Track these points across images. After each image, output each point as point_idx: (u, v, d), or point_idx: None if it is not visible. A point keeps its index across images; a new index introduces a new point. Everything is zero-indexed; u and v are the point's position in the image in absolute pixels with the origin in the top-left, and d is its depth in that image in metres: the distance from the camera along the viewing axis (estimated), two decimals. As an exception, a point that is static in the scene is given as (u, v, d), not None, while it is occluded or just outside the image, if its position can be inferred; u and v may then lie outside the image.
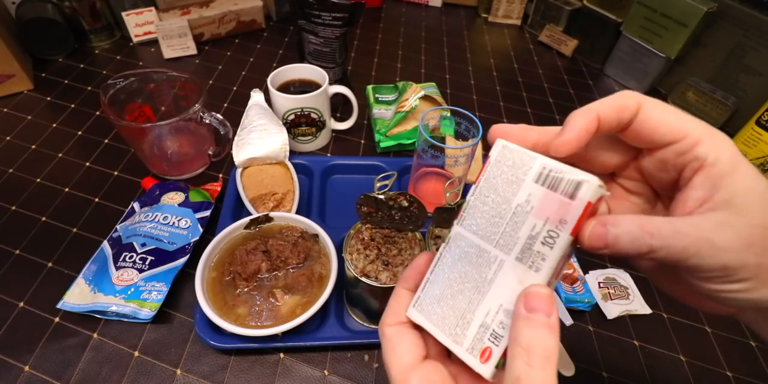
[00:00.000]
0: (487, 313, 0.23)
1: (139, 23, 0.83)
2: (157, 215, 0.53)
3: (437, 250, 0.42)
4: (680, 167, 0.23)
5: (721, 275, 0.20)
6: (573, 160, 0.26)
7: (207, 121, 0.56)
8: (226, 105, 0.75)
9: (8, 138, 0.65)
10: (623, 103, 0.22)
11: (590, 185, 0.21)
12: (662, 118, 0.22)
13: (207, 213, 0.55)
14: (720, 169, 0.21)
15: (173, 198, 0.55)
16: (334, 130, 0.71)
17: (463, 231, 0.25)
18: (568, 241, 0.21)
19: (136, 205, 0.56)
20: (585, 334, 0.51)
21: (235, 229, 0.50)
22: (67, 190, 0.60)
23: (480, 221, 0.24)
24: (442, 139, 0.57)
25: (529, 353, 0.20)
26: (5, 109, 0.70)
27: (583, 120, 0.22)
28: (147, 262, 0.49)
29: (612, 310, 0.53)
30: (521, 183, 0.23)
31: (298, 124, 0.64)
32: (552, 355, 0.20)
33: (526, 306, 0.21)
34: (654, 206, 0.27)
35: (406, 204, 0.41)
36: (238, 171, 0.59)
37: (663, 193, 0.26)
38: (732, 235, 0.19)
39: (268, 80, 0.61)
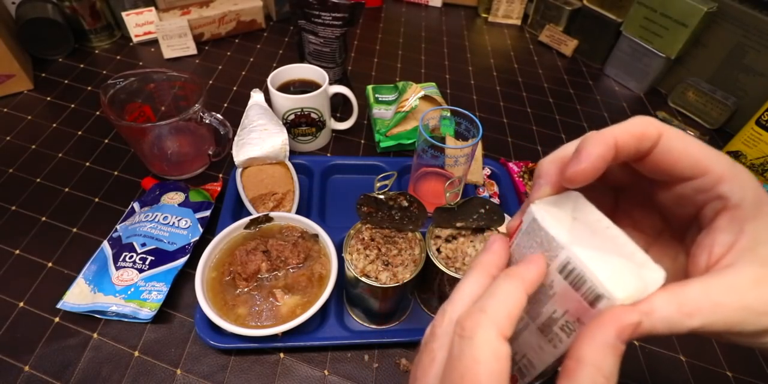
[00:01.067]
0: (516, 353, 0.24)
1: (139, 23, 0.83)
2: (157, 215, 0.53)
3: (437, 249, 0.43)
4: (700, 205, 0.21)
5: (761, 334, 0.19)
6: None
7: (207, 121, 0.56)
8: (226, 105, 0.75)
9: (8, 138, 0.65)
10: (644, 131, 0.20)
11: (610, 302, 0.18)
12: (684, 151, 0.20)
13: (207, 213, 0.55)
14: (744, 211, 0.19)
15: (173, 198, 0.55)
16: (334, 130, 0.71)
17: None
18: None
19: (136, 205, 0.56)
20: (585, 334, 0.51)
21: (235, 229, 0.50)
22: (67, 190, 0.60)
23: None
24: (442, 139, 0.57)
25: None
26: (5, 109, 0.70)
27: (599, 147, 0.20)
28: (147, 262, 0.49)
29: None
30: (547, 266, 0.21)
31: (298, 124, 0.64)
32: None
33: (620, 336, 0.18)
34: (659, 235, 0.25)
35: (406, 204, 0.41)
36: (238, 171, 0.59)
37: (674, 223, 0.24)
38: None
39: (268, 80, 0.61)
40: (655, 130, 0.20)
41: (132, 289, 0.47)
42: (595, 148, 0.19)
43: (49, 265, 0.52)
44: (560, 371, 0.19)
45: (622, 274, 0.18)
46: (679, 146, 0.20)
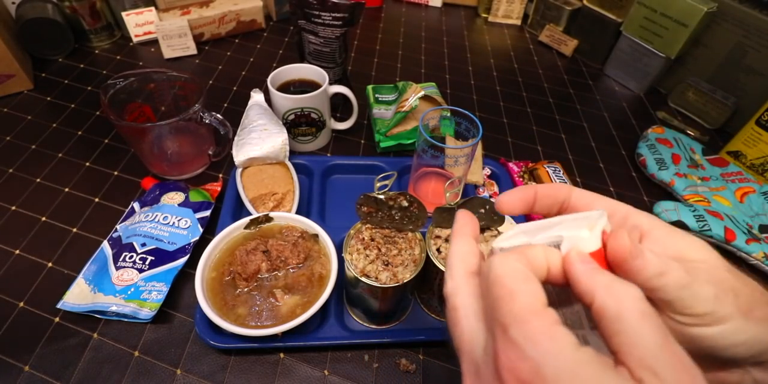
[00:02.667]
0: None
1: (139, 23, 0.83)
2: (157, 215, 0.53)
3: (437, 249, 0.43)
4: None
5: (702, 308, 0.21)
6: None
7: (207, 121, 0.56)
8: (226, 105, 0.75)
9: (8, 138, 0.65)
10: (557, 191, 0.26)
11: (569, 241, 0.22)
12: (583, 197, 0.26)
13: (207, 213, 0.55)
14: (656, 232, 0.24)
15: (173, 198, 0.55)
16: (334, 130, 0.71)
17: None
18: None
19: (136, 205, 0.56)
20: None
21: (235, 229, 0.50)
22: (67, 190, 0.60)
23: None
24: (442, 139, 0.57)
25: None
26: (5, 109, 0.70)
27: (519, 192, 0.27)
28: (147, 262, 0.49)
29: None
30: None
31: (298, 124, 0.64)
32: None
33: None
34: None
35: (406, 204, 0.41)
36: (238, 171, 0.59)
37: None
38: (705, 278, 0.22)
39: (268, 80, 0.61)
40: (566, 190, 0.26)
41: (132, 289, 0.47)
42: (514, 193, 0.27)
43: (49, 265, 0.52)
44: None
45: (570, 223, 0.22)
46: (585, 196, 0.26)
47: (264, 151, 0.58)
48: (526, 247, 0.22)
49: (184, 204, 0.55)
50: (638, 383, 0.17)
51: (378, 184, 0.42)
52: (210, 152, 0.62)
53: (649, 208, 0.65)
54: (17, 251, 0.53)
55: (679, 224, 0.61)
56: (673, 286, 0.21)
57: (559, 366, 0.17)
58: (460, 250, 0.25)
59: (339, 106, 0.77)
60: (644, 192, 0.69)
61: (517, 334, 0.18)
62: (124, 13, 0.81)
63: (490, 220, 0.41)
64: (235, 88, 0.78)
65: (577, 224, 0.22)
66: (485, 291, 0.21)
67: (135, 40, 0.84)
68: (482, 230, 0.43)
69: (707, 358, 0.22)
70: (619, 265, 0.21)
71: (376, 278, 0.41)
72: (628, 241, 0.21)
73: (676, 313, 0.22)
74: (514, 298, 0.19)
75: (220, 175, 0.64)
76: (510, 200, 0.27)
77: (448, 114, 0.54)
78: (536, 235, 0.23)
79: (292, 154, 0.63)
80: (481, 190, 0.63)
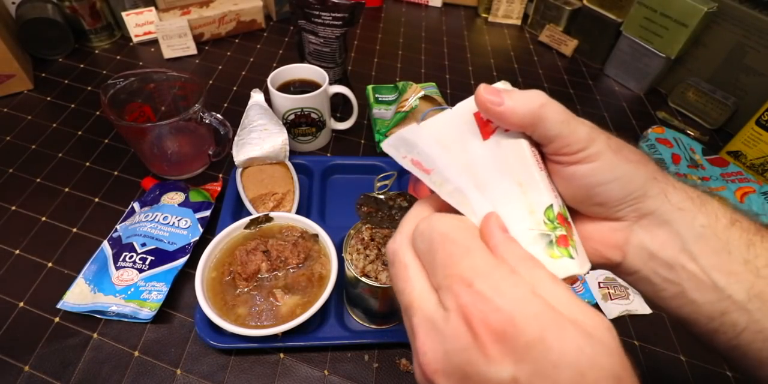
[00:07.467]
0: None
1: (139, 23, 0.83)
2: (157, 215, 0.53)
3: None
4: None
5: (573, 143, 0.24)
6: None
7: (207, 121, 0.56)
8: (226, 105, 0.75)
9: (8, 138, 0.65)
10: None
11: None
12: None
13: (207, 213, 0.55)
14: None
15: (173, 198, 0.55)
16: (334, 130, 0.71)
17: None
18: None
19: (136, 205, 0.56)
20: (585, 334, 0.51)
21: (235, 229, 0.50)
22: (67, 190, 0.60)
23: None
24: (442, 139, 0.57)
25: None
26: (5, 109, 0.70)
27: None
28: (147, 262, 0.49)
29: (612, 310, 0.53)
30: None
31: (298, 124, 0.64)
32: None
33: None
34: None
35: (406, 204, 0.41)
36: (238, 171, 0.59)
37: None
38: (556, 109, 0.24)
39: (268, 80, 0.61)
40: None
41: (132, 289, 0.47)
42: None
43: (49, 265, 0.52)
44: None
45: None
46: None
47: (264, 151, 0.58)
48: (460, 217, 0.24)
49: (184, 204, 0.55)
50: None
51: (378, 184, 0.42)
52: (210, 152, 0.62)
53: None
54: (17, 251, 0.53)
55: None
56: (553, 121, 0.23)
57: (528, 311, 0.19)
58: (415, 212, 0.26)
59: (339, 106, 0.77)
60: (644, 192, 0.69)
61: (484, 287, 0.19)
62: (124, 13, 0.81)
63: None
64: (235, 88, 0.78)
65: None
66: (427, 248, 0.22)
67: (135, 40, 0.84)
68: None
69: (588, 201, 0.26)
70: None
71: (376, 278, 0.41)
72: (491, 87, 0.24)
73: (557, 154, 0.25)
74: (470, 254, 0.21)
75: (220, 175, 0.64)
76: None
77: (448, 114, 0.54)
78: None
79: (292, 154, 0.63)
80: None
